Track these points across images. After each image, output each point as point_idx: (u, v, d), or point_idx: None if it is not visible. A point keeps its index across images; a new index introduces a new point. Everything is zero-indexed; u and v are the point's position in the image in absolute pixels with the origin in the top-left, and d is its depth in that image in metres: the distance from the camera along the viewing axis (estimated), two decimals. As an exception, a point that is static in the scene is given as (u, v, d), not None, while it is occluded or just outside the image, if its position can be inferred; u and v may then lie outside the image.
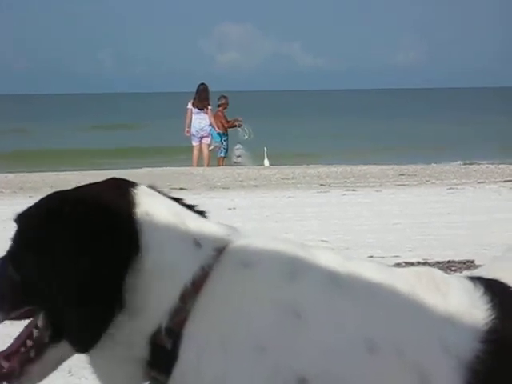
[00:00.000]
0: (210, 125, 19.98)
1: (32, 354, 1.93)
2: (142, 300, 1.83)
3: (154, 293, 1.83)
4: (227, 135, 20.77)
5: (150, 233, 1.86)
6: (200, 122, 19.86)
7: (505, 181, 15.01)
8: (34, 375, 1.94)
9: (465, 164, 18.97)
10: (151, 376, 1.86)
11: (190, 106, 19.94)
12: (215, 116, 20.32)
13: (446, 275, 1.93)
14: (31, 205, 2.04)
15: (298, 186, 15.20)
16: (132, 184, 1.98)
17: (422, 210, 11.05)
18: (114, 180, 2.02)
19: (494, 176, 16.09)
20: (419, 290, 1.82)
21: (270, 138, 27.95)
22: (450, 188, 13.95)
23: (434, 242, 8.34)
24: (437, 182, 15.41)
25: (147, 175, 16.83)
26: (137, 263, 1.83)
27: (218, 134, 20.33)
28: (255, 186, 15.44)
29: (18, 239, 1.98)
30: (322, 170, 18.01)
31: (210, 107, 19.99)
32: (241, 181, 16.29)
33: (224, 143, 20.57)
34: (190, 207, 2.04)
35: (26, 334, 1.94)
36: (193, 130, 19.89)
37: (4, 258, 1.99)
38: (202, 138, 19.94)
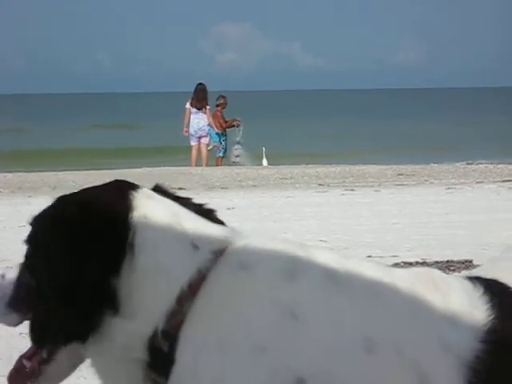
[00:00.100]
0: (209, 125, 19.98)
1: (45, 354, 1.98)
2: (138, 302, 1.85)
3: (149, 295, 1.84)
4: (226, 135, 20.76)
5: (145, 235, 1.87)
6: (198, 121, 19.85)
7: (503, 181, 15.01)
8: (51, 375, 2.00)
9: (464, 164, 18.95)
10: (151, 378, 1.86)
11: (188, 105, 19.94)
12: (214, 116, 20.31)
13: (445, 275, 1.93)
14: (45, 207, 2.05)
15: (297, 185, 15.19)
16: (133, 186, 2.00)
17: (421, 209, 11.05)
18: (116, 182, 2.05)
19: (493, 176, 16.09)
20: (419, 290, 1.82)
21: (269, 137, 27.97)
22: (449, 188, 13.96)
23: (432, 241, 8.35)
24: (435, 181, 15.41)
25: (146, 175, 16.82)
26: (129, 265, 1.85)
27: (217, 133, 20.33)
28: (254, 185, 15.43)
29: (29, 242, 2.04)
30: (321, 169, 18.01)
31: (208, 107, 19.98)
32: (239, 181, 16.28)
33: (223, 143, 20.58)
34: (199, 206, 2.06)
35: None
36: (191, 130, 19.88)
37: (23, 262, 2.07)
38: (200, 137, 19.93)
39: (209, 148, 20.31)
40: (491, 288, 1.86)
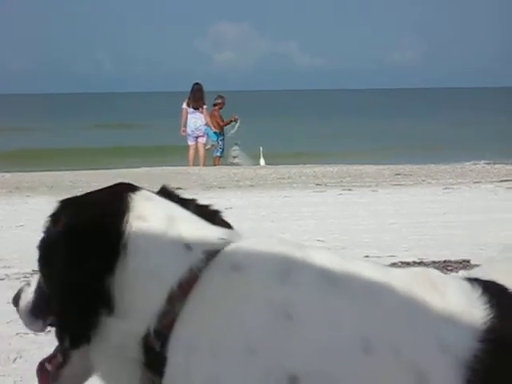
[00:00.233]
0: (206, 124, 19.99)
1: (60, 358, 2.05)
2: (131, 302, 1.87)
3: (141, 295, 1.87)
4: (223, 135, 20.76)
5: (138, 236, 1.90)
6: (195, 121, 19.86)
7: (501, 181, 15.02)
8: (67, 378, 2.06)
9: (461, 164, 18.95)
10: (148, 377, 1.88)
11: (184, 105, 19.95)
12: (211, 115, 20.32)
13: (443, 275, 1.92)
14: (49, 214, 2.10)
15: (294, 185, 15.19)
16: (133, 188, 2.03)
17: (418, 209, 11.05)
18: (118, 185, 2.07)
19: (490, 176, 16.10)
20: (416, 290, 1.82)
21: (266, 137, 27.96)
22: (446, 188, 13.96)
23: (430, 241, 8.35)
24: (433, 181, 15.41)
25: (144, 175, 16.82)
26: (121, 266, 1.88)
27: (215, 133, 20.33)
28: (251, 185, 15.43)
29: (38, 248, 2.05)
30: (318, 169, 18.01)
31: (205, 106, 19.98)
32: (237, 180, 16.28)
33: (220, 143, 20.58)
34: (204, 208, 2.08)
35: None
36: (188, 130, 19.89)
37: None
38: (197, 137, 19.94)
39: (207, 147, 20.31)
40: (489, 289, 1.86)
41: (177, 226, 1.93)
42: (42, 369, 2.10)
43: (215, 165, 20.28)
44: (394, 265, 6.81)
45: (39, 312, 2.05)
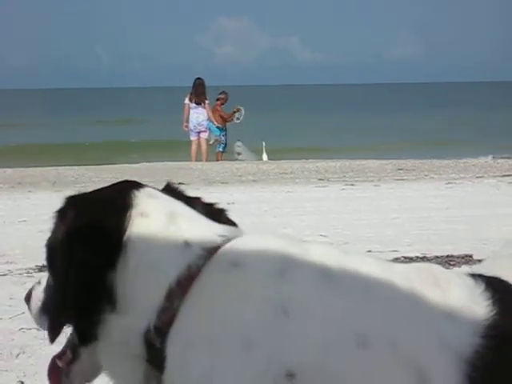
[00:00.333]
0: (208, 119, 19.99)
1: (70, 355, 2.08)
2: (132, 299, 1.89)
3: (141, 292, 1.88)
4: (226, 130, 20.76)
5: (140, 233, 1.91)
6: (198, 116, 19.86)
7: (503, 175, 15.01)
8: (77, 374, 2.09)
9: (464, 159, 18.93)
10: (152, 373, 1.89)
11: (187, 100, 19.94)
12: (213, 110, 20.33)
13: (446, 271, 1.91)
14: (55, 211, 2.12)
15: (297, 180, 15.20)
16: (138, 186, 2.05)
17: (421, 204, 11.05)
18: (123, 182, 2.10)
19: (493, 171, 16.09)
20: (418, 285, 1.81)
21: (269, 132, 27.97)
22: (449, 183, 13.96)
23: (432, 236, 8.35)
24: (435, 176, 15.41)
25: (146, 170, 16.83)
26: (123, 262, 1.90)
27: (217, 127, 20.34)
28: (254, 180, 15.43)
29: (45, 246, 2.07)
30: (321, 164, 18.00)
31: (207, 101, 19.98)
32: (239, 176, 16.28)
33: (223, 138, 20.58)
34: (209, 206, 2.10)
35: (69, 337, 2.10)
36: (190, 125, 19.89)
37: None
38: (199, 132, 19.94)
39: (210, 142, 20.33)
40: (493, 285, 1.85)
41: (178, 223, 1.94)
42: (53, 365, 2.12)
43: (218, 160, 20.28)
44: (396, 260, 6.81)
45: (48, 310, 2.06)
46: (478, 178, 14.82)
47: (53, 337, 1.98)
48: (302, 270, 1.80)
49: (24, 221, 9.74)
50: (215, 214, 2.07)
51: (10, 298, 5.70)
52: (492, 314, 1.78)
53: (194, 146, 20.10)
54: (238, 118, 20.82)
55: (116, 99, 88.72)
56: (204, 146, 20.03)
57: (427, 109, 55.73)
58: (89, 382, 2.12)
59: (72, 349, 2.06)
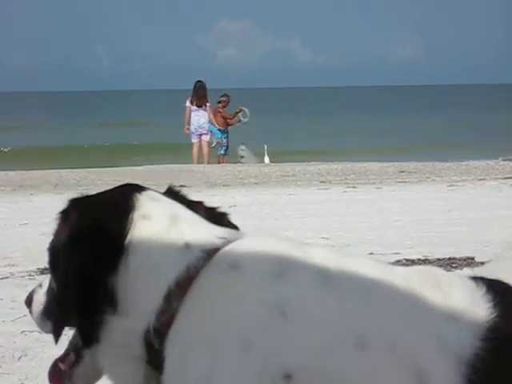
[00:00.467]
0: (210, 122, 20.01)
1: (73, 357, 2.08)
2: (132, 300, 1.90)
3: (141, 293, 1.89)
4: (227, 132, 20.78)
5: (141, 235, 1.93)
6: (199, 119, 19.89)
7: (505, 178, 15.00)
8: (80, 377, 2.09)
9: (465, 161, 18.92)
10: (152, 374, 1.90)
11: (188, 103, 19.97)
12: (215, 112, 20.36)
13: (447, 273, 1.91)
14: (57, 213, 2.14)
15: (299, 183, 15.20)
16: (140, 189, 2.06)
17: (423, 207, 11.05)
18: (125, 185, 2.11)
19: (495, 173, 16.09)
20: (417, 287, 1.81)
21: (270, 135, 27.98)
22: (451, 185, 13.95)
23: (434, 238, 8.34)
24: (437, 179, 15.41)
25: (148, 172, 16.83)
26: (124, 264, 1.91)
27: (219, 130, 20.37)
28: (256, 183, 15.43)
29: (48, 249, 2.08)
30: (323, 167, 18.01)
31: (208, 104, 20.01)
32: (241, 178, 16.29)
33: (224, 140, 20.59)
34: (211, 210, 2.11)
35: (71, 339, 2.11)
36: (192, 128, 19.92)
37: None
38: (201, 135, 19.97)
39: (213, 145, 20.35)
40: (494, 288, 1.85)
41: (179, 226, 1.96)
42: (55, 368, 2.13)
43: (219, 163, 20.30)
44: (398, 262, 6.81)
45: (50, 313, 2.07)
46: (479, 180, 14.82)
47: (57, 339, 1.99)
48: (301, 272, 1.81)
49: (26, 223, 9.75)
50: (217, 217, 2.09)
51: (12, 301, 5.70)
52: (493, 316, 1.77)
53: (195, 149, 20.12)
54: (244, 117, 20.84)
55: (118, 102, 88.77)
56: (205, 149, 20.05)
57: (429, 111, 55.73)
58: None
59: (75, 351, 2.07)
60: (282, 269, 1.81)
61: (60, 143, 32.22)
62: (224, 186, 14.90)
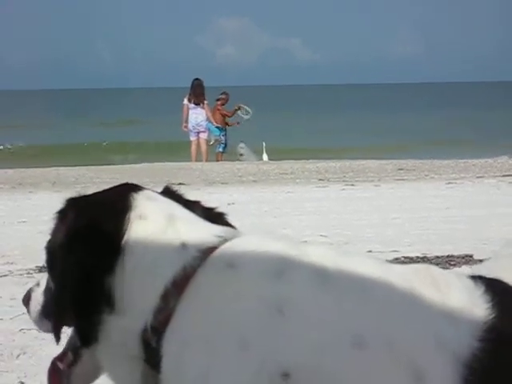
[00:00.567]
0: (208, 119, 20.02)
1: (71, 357, 2.09)
2: (129, 300, 1.90)
3: (138, 292, 1.90)
4: (226, 130, 20.79)
5: (137, 235, 1.94)
6: (196, 117, 19.90)
7: (504, 175, 15.00)
8: (79, 376, 2.10)
9: (464, 159, 18.92)
10: (150, 373, 1.90)
11: (185, 101, 19.98)
12: (213, 110, 20.37)
13: (445, 272, 1.91)
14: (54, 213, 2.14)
15: (297, 181, 15.20)
16: (137, 188, 2.07)
17: (421, 204, 11.05)
18: (122, 185, 2.11)
19: (493, 170, 16.09)
20: (415, 286, 1.80)
21: (269, 132, 27.98)
22: (449, 183, 13.95)
23: (432, 236, 8.34)
24: (436, 176, 15.41)
25: (147, 170, 16.83)
26: (121, 264, 1.92)
27: (217, 127, 20.37)
28: (254, 181, 15.43)
29: (45, 249, 2.09)
30: (321, 164, 18.01)
31: (206, 102, 20.01)
32: (240, 176, 16.29)
33: (222, 138, 20.59)
34: (208, 210, 2.12)
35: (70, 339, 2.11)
36: (189, 126, 19.94)
37: None
38: (198, 132, 19.97)
39: (211, 143, 20.36)
40: (492, 287, 1.85)
41: (175, 225, 1.96)
42: (53, 367, 2.13)
43: (218, 160, 20.30)
44: (396, 260, 6.81)
45: (48, 312, 2.08)
46: (478, 177, 14.82)
47: (58, 338, 1.99)
48: (299, 271, 1.81)
49: (24, 221, 9.74)
50: (214, 217, 2.09)
51: (11, 299, 5.70)
52: (491, 316, 1.77)
53: (193, 147, 20.13)
54: (245, 115, 20.84)
55: (118, 99, 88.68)
56: (203, 147, 20.06)
57: (427, 109, 55.73)
58: (89, 383, 2.13)
59: (73, 350, 2.08)
60: (280, 267, 1.82)
61: (59, 141, 32.19)
62: (222, 183, 14.90)
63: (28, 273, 6.66)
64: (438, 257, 7.01)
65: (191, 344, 1.78)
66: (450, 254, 7.13)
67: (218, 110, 20.62)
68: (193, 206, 2.10)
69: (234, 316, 1.77)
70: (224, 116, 20.77)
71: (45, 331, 2.12)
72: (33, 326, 2.21)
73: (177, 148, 25.15)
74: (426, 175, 15.63)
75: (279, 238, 1.95)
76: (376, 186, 13.78)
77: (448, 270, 1.95)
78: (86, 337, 1.96)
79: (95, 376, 2.10)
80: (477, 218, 9.48)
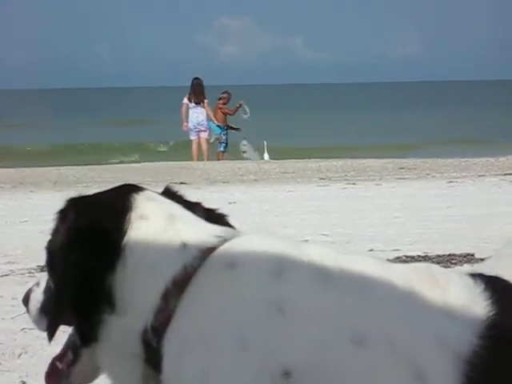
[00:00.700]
0: (208, 118, 20.02)
1: (71, 356, 2.09)
2: (130, 300, 1.91)
3: (139, 292, 1.90)
4: (227, 129, 20.78)
5: (138, 235, 1.94)
6: (197, 116, 19.90)
7: (505, 174, 15.00)
8: (78, 375, 2.10)
9: (465, 157, 18.92)
10: (150, 373, 1.90)
11: (185, 100, 19.98)
12: (215, 109, 20.38)
13: (445, 270, 1.91)
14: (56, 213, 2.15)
15: (298, 179, 15.20)
16: (137, 189, 2.07)
17: (422, 203, 11.05)
18: (123, 186, 2.12)
19: (494, 169, 16.09)
20: (416, 284, 1.81)
21: (270, 131, 27.96)
22: (450, 181, 13.95)
23: (434, 235, 8.34)
24: (437, 175, 15.41)
25: (148, 170, 16.84)
26: (122, 264, 1.92)
27: (218, 126, 20.37)
28: (255, 180, 15.44)
29: (45, 249, 2.09)
30: (323, 163, 18.01)
31: (206, 101, 20.00)
32: (241, 175, 16.29)
33: (223, 137, 20.59)
34: (209, 211, 2.12)
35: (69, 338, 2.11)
36: (190, 125, 19.93)
37: None
38: (199, 132, 19.97)
39: (211, 141, 20.36)
40: (493, 285, 1.84)
41: (176, 225, 1.96)
42: (52, 367, 2.13)
43: (219, 159, 20.30)
44: (398, 258, 6.81)
45: (47, 311, 2.07)
46: (479, 176, 14.82)
47: (51, 337, 1.99)
48: (299, 270, 1.81)
49: (25, 221, 9.75)
50: (215, 218, 2.09)
51: (13, 298, 5.70)
52: (491, 314, 1.77)
53: (194, 146, 20.14)
54: (244, 114, 20.85)
55: (117, 99, 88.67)
56: (204, 146, 20.07)
57: (428, 108, 55.72)
58: (88, 383, 2.13)
59: (73, 350, 2.08)
60: (280, 267, 1.82)
61: (60, 141, 32.17)
62: (223, 182, 14.91)
63: (29, 272, 6.67)
64: (439, 256, 7.01)
65: (192, 344, 1.78)
66: (452, 252, 7.13)
67: (220, 108, 20.63)
68: (193, 207, 2.10)
69: (235, 316, 1.77)
70: (226, 115, 20.77)
71: (44, 330, 2.11)
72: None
73: (178, 147, 25.15)
74: (428, 174, 15.63)
75: (279, 238, 1.95)
76: (377, 184, 13.78)
77: (449, 269, 1.96)
78: (86, 336, 1.96)
79: (94, 376, 2.09)
80: (478, 217, 9.48)
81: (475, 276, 1.89)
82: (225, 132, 20.64)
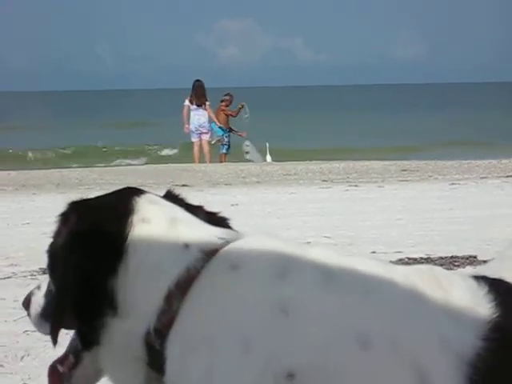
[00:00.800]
0: (210, 120, 20.02)
1: (72, 359, 2.08)
2: (132, 302, 1.91)
3: (141, 295, 1.90)
4: (229, 131, 20.79)
5: (140, 237, 1.94)
6: (199, 118, 19.89)
7: (507, 176, 14.99)
8: (80, 379, 2.09)
9: (467, 159, 18.91)
10: (153, 376, 1.90)
11: (187, 102, 19.96)
12: (217, 111, 20.38)
13: (448, 272, 1.91)
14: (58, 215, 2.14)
15: (301, 182, 15.20)
16: (139, 192, 2.07)
17: (425, 205, 11.04)
18: (125, 189, 2.12)
19: (497, 171, 16.07)
20: (419, 286, 1.81)
21: (272, 133, 27.97)
22: (453, 183, 13.94)
23: (436, 237, 8.34)
24: (439, 177, 15.40)
25: (150, 172, 16.85)
26: (124, 267, 1.92)
27: (220, 128, 20.37)
28: (257, 182, 15.43)
29: (46, 252, 2.09)
30: (325, 165, 18.00)
31: (208, 103, 20.00)
32: (243, 177, 16.29)
33: (225, 139, 20.59)
34: (211, 214, 2.12)
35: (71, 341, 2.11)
36: (192, 127, 19.91)
37: None
38: (201, 134, 19.97)
39: (213, 142, 20.36)
40: (496, 287, 1.84)
41: (177, 227, 1.96)
42: (53, 370, 2.12)
43: (221, 162, 20.30)
44: (400, 261, 6.81)
45: (48, 315, 2.07)
46: (481, 178, 14.81)
47: (55, 341, 1.99)
48: (302, 272, 1.81)
49: (28, 223, 9.75)
50: (217, 221, 2.09)
51: (15, 301, 5.69)
52: (494, 316, 1.77)
53: (196, 148, 20.14)
54: (246, 117, 20.87)
55: (117, 101, 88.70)
56: (206, 148, 20.06)
57: (430, 109, 55.72)
58: None
59: (75, 353, 2.07)
60: (283, 268, 1.82)
61: (63, 144, 32.17)
62: (226, 184, 14.91)
63: (32, 275, 6.67)
64: (441, 258, 7.01)
65: (195, 346, 1.78)
66: (454, 254, 7.12)
67: (223, 110, 20.63)
68: (195, 210, 2.10)
69: (238, 317, 1.76)
70: (228, 116, 20.78)
71: (45, 334, 2.11)
72: (36, 328, 2.21)
73: (180, 149, 25.16)
74: (430, 176, 15.62)
75: (282, 240, 1.95)
76: (380, 186, 13.77)
77: (452, 271, 1.95)
78: (88, 340, 1.96)
79: (96, 379, 2.09)
80: (480, 219, 9.47)
81: (478, 278, 1.88)
82: (227, 134, 20.64)
